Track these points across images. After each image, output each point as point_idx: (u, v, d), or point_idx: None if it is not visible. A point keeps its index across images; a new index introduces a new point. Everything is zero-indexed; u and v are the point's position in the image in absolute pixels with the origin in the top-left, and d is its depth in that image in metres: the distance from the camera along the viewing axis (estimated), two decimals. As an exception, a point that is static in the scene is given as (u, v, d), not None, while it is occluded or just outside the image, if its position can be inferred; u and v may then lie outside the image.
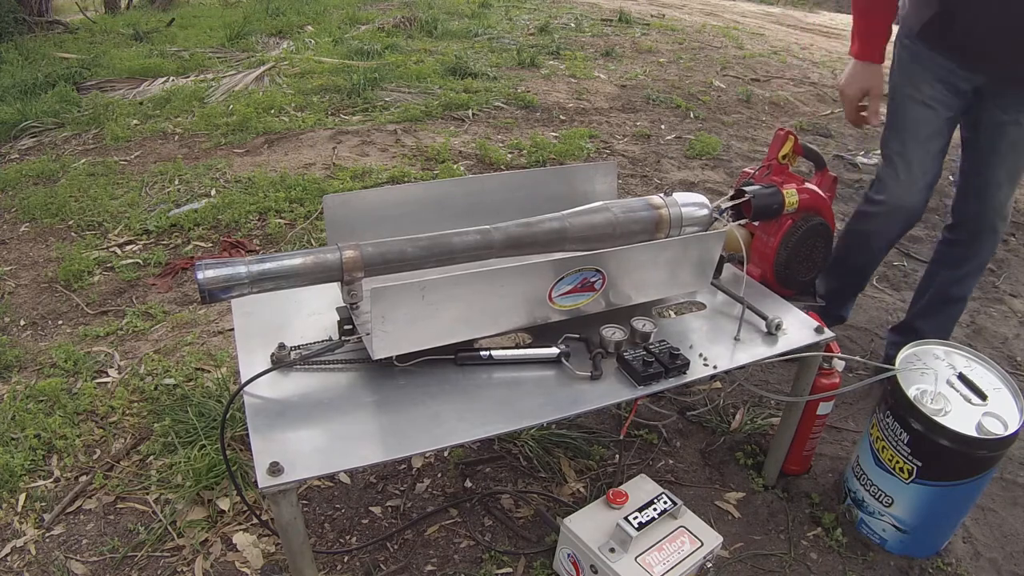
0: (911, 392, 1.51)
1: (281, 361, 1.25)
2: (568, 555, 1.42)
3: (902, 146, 1.86)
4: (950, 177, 2.93)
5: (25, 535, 1.58)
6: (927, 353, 1.64)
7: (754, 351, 1.43)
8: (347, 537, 1.59)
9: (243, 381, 1.20)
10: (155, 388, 1.97)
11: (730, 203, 1.60)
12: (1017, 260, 3.10)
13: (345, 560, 1.53)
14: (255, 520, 1.59)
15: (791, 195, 1.61)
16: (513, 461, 1.80)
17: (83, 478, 1.71)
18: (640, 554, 1.35)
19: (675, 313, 1.58)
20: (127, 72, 4.93)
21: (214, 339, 2.21)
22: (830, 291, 2.17)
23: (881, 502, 1.59)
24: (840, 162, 3.96)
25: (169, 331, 2.26)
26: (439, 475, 1.76)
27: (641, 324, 1.40)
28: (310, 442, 1.11)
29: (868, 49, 1.74)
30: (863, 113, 1.81)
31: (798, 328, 1.51)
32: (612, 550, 1.34)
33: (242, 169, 3.41)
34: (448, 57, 5.34)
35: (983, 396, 1.51)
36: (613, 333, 1.37)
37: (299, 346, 1.30)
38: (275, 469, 1.04)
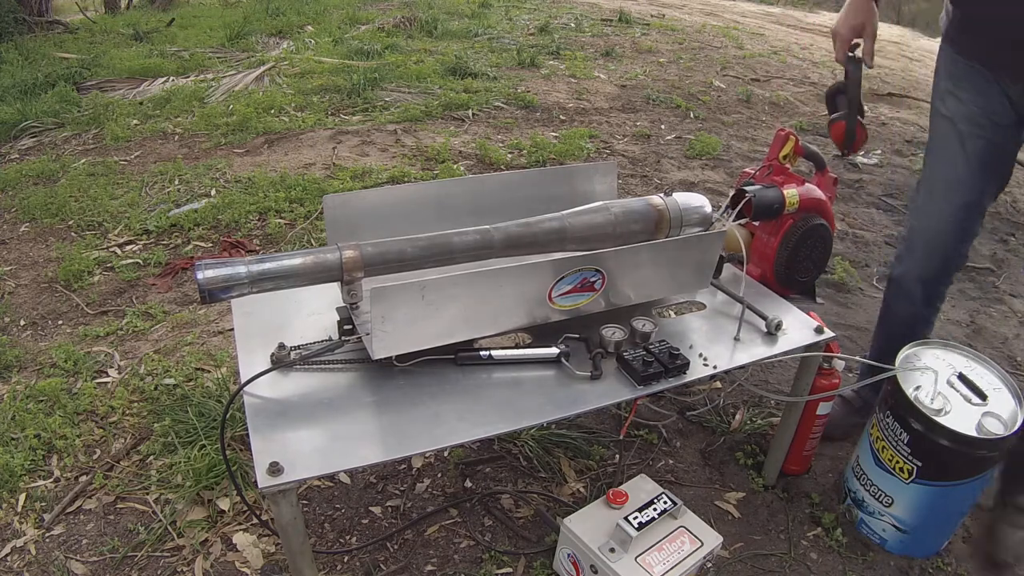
0: (911, 392, 1.51)
1: (281, 361, 1.25)
2: (568, 555, 1.42)
3: (929, 168, 1.71)
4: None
5: (25, 535, 1.57)
6: (927, 353, 1.64)
7: (754, 351, 1.43)
8: (347, 537, 1.58)
9: (243, 381, 1.20)
10: (155, 388, 1.97)
11: (732, 210, 1.59)
12: (1017, 260, 3.10)
13: (345, 560, 1.53)
14: (255, 520, 1.58)
15: (792, 195, 1.61)
16: (513, 461, 1.80)
17: (83, 478, 1.71)
18: (640, 554, 1.35)
19: (675, 313, 1.58)
20: (127, 72, 4.93)
21: (214, 339, 2.21)
22: (876, 355, 1.83)
23: (881, 502, 1.59)
24: (840, 162, 3.96)
25: (169, 331, 2.26)
26: (439, 475, 1.76)
27: (641, 324, 1.40)
28: (310, 442, 1.11)
29: None
30: (852, 53, 1.61)
31: (798, 328, 1.51)
32: (612, 550, 1.34)
33: (242, 169, 3.41)
34: (448, 57, 5.34)
35: (983, 396, 1.51)
36: (613, 333, 1.37)
37: (299, 346, 1.30)
38: (275, 469, 1.04)
